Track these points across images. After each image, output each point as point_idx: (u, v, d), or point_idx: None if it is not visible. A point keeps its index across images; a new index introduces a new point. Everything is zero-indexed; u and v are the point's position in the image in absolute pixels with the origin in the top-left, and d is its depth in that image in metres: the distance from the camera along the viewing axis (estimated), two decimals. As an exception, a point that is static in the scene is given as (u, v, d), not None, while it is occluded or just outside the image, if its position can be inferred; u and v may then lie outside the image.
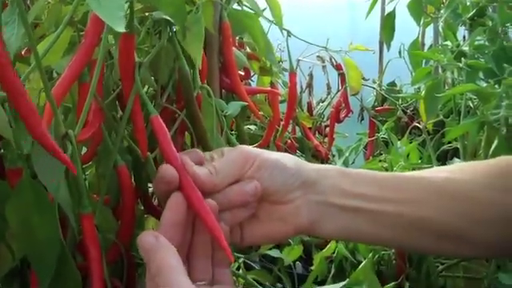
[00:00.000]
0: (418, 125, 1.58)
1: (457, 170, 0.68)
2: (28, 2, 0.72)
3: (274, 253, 1.18)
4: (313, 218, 0.62)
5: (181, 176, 0.56)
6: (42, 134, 0.48)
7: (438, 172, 0.67)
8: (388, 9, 1.73)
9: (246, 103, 0.83)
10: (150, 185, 0.73)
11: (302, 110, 1.92)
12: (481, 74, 1.11)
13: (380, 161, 1.21)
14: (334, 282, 1.22)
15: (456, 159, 1.24)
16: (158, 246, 0.52)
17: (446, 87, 1.27)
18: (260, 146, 1.56)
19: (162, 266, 0.51)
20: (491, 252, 0.73)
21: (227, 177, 0.59)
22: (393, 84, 2.04)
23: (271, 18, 0.90)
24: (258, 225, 0.62)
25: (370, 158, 1.67)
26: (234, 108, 0.76)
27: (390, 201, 0.62)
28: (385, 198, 0.62)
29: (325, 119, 2.02)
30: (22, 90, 0.47)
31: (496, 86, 0.99)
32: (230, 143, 0.74)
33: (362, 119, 2.00)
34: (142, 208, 0.73)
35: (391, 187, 0.63)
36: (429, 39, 1.80)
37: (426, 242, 0.65)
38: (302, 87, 2.02)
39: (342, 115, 1.90)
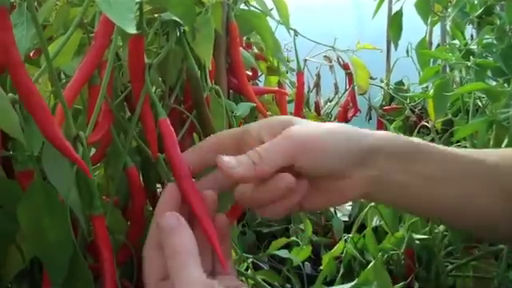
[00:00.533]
0: (426, 124, 1.58)
1: (507, 155, 0.67)
2: (35, 4, 0.72)
3: (283, 253, 1.18)
4: (369, 190, 0.62)
5: (181, 175, 0.56)
6: (55, 135, 0.48)
7: (489, 155, 0.66)
8: (395, 8, 1.73)
9: (255, 104, 0.83)
10: (158, 185, 0.73)
11: (310, 110, 1.93)
12: (489, 73, 1.11)
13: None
14: (343, 282, 1.22)
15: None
16: (178, 228, 0.52)
17: (454, 86, 1.26)
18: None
19: (176, 249, 0.51)
20: None
21: (272, 164, 0.56)
22: (400, 83, 2.04)
23: (278, 18, 0.90)
24: (315, 194, 0.61)
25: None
26: (243, 109, 0.76)
27: (439, 180, 0.62)
28: (441, 178, 0.63)
29: (332, 119, 2.02)
30: (35, 90, 0.47)
31: (505, 85, 0.99)
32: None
33: (370, 118, 2.00)
34: (151, 209, 0.73)
35: (443, 166, 0.63)
36: (436, 38, 1.80)
37: (469, 224, 0.66)
38: (309, 87, 2.03)
39: (350, 114, 1.90)
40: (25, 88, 0.46)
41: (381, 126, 1.89)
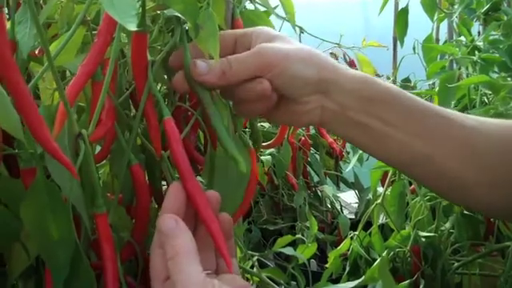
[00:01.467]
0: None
1: (486, 122, 0.68)
2: (41, 2, 0.72)
3: (289, 251, 1.18)
4: (325, 120, 0.66)
5: (185, 174, 0.56)
6: (47, 139, 0.48)
7: (466, 119, 0.67)
8: (401, 5, 1.72)
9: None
10: (163, 183, 0.73)
11: (316, 107, 1.92)
12: (495, 68, 1.11)
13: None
14: (349, 279, 1.21)
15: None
16: (177, 230, 0.53)
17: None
18: (273, 144, 1.56)
19: (176, 251, 0.52)
20: (492, 212, 0.77)
21: (240, 75, 0.62)
22: (407, 80, 2.03)
23: (283, 15, 0.90)
24: (278, 113, 0.66)
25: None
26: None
27: (407, 132, 0.64)
28: (404, 128, 0.64)
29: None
30: (27, 94, 0.47)
31: (508, 79, 0.99)
32: (244, 141, 0.73)
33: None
34: (156, 206, 0.73)
35: (416, 119, 0.64)
36: (443, 35, 1.79)
37: (429, 178, 0.68)
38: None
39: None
40: (16, 90, 0.46)
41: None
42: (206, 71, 0.61)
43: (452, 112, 0.68)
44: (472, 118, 0.67)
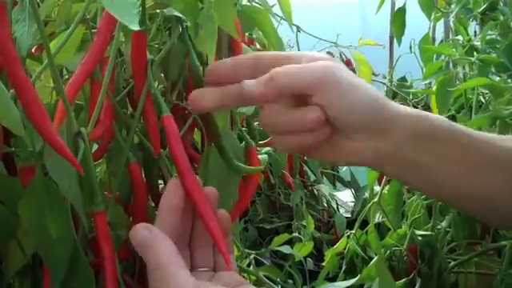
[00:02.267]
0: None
1: None
2: (38, 0, 0.72)
3: (285, 249, 1.18)
4: (378, 162, 0.61)
5: (183, 171, 0.56)
6: (51, 134, 0.48)
7: (503, 141, 0.64)
8: (398, 4, 1.73)
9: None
10: (160, 181, 0.73)
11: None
12: (493, 69, 1.11)
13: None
14: (346, 278, 1.22)
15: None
16: (153, 239, 0.51)
17: (458, 82, 1.26)
18: (270, 143, 1.56)
19: (158, 261, 0.50)
20: None
21: (285, 85, 0.56)
22: (403, 79, 2.04)
23: (280, 14, 0.90)
24: (323, 148, 0.60)
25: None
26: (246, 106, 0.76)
27: (463, 167, 0.61)
28: (460, 164, 0.61)
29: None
30: (31, 88, 0.47)
31: (509, 81, 0.99)
32: (242, 140, 0.74)
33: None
34: (153, 205, 0.73)
35: (471, 153, 0.61)
36: (439, 34, 1.80)
37: (485, 212, 0.65)
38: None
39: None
40: (21, 85, 0.46)
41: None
42: (250, 83, 0.56)
43: (494, 136, 0.65)
44: (504, 139, 0.66)
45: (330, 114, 0.57)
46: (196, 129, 0.79)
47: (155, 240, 0.51)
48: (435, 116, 0.63)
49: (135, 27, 0.46)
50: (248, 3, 0.82)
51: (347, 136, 0.59)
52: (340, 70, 0.58)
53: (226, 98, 0.58)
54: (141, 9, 0.57)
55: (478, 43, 1.17)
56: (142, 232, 0.52)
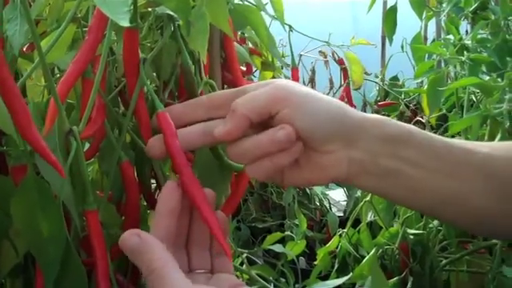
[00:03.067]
0: (420, 119, 1.58)
1: (498, 146, 0.66)
2: (29, -1, 0.72)
3: (278, 248, 1.18)
4: (352, 173, 0.60)
5: (180, 167, 0.56)
6: (35, 138, 0.48)
7: (481, 146, 0.64)
8: (390, 3, 1.73)
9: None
10: (153, 181, 0.73)
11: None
12: (483, 68, 1.11)
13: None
14: (338, 276, 1.22)
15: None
16: (143, 245, 0.51)
17: (449, 81, 1.27)
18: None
19: (152, 266, 0.50)
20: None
21: (251, 110, 0.56)
22: (395, 78, 2.05)
23: (273, 13, 0.90)
24: (298, 170, 0.60)
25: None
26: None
27: (432, 170, 0.60)
28: (428, 166, 0.60)
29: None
30: (16, 91, 0.46)
31: (499, 80, 0.99)
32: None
33: (365, 114, 2.00)
34: (145, 204, 0.73)
35: (437, 155, 0.60)
36: (431, 33, 1.80)
37: (460, 217, 0.63)
38: (304, 82, 2.03)
39: (345, 110, 1.90)
40: (5, 88, 0.45)
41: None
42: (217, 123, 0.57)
43: (466, 142, 0.65)
44: (485, 145, 0.65)
45: (297, 126, 0.56)
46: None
47: (146, 245, 0.51)
48: (403, 123, 0.62)
49: (126, 24, 0.46)
50: (240, 2, 0.82)
51: (319, 149, 0.59)
52: (295, 84, 0.59)
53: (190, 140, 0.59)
54: (132, 7, 0.56)
55: (469, 42, 1.18)
56: (131, 239, 0.52)
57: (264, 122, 0.58)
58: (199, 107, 0.61)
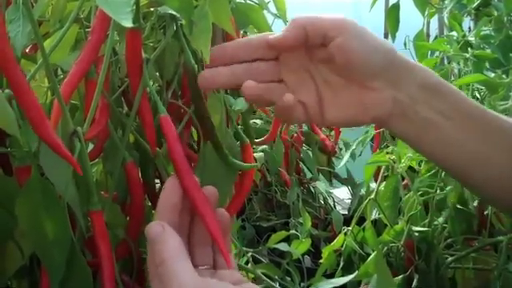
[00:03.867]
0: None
1: None
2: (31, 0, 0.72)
3: (283, 246, 1.18)
4: (393, 114, 0.61)
5: (182, 172, 0.56)
6: (49, 134, 0.48)
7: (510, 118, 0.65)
8: (392, 0, 1.73)
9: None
10: (157, 181, 0.73)
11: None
12: (487, 64, 1.11)
13: (387, 153, 1.21)
14: (343, 275, 1.22)
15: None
16: (164, 235, 0.52)
17: (453, 78, 1.26)
18: (266, 141, 1.56)
19: (165, 256, 0.51)
20: None
21: (307, 25, 0.58)
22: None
23: (275, 12, 0.90)
24: (339, 107, 0.61)
25: (377, 150, 1.67)
26: (241, 103, 0.76)
27: (463, 127, 0.61)
28: (459, 122, 0.61)
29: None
30: (28, 88, 0.47)
31: (503, 76, 0.99)
32: (238, 138, 0.73)
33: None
34: (150, 204, 0.73)
35: (469, 115, 0.62)
36: (434, 30, 1.80)
37: (487, 184, 0.64)
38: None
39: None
40: (17, 85, 0.46)
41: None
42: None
43: (496, 113, 0.66)
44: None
45: (351, 56, 0.58)
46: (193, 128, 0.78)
47: (163, 236, 0.52)
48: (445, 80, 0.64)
49: (128, 24, 0.46)
50: (242, 1, 0.82)
51: (366, 85, 0.60)
52: (355, 21, 0.60)
53: (237, 71, 0.60)
54: (135, 7, 0.56)
55: (472, 39, 1.17)
56: (155, 228, 0.52)
57: (315, 49, 0.60)
58: (249, 47, 0.62)
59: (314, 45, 0.60)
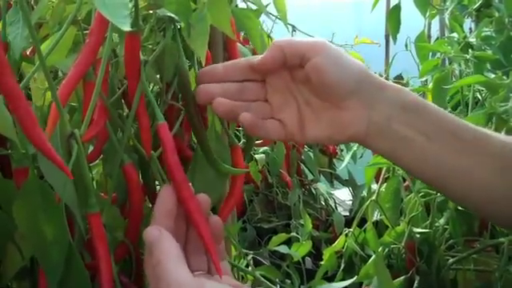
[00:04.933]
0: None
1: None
2: (32, 2, 0.72)
3: (283, 249, 1.18)
4: (369, 133, 0.63)
5: (179, 183, 0.57)
6: (40, 139, 0.48)
7: (496, 134, 0.66)
8: (393, 2, 1.73)
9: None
10: (157, 182, 0.73)
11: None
12: (488, 66, 1.11)
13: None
14: (344, 276, 1.22)
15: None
16: (161, 238, 0.53)
17: (454, 79, 1.26)
18: (267, 143, 1.56)
19: (161, 257, 0.52)
20: None
21: (284, 50, 0.61)
22: (400, 77, 2.04)
23: (276, 14, 0.90)
24: (319, 125, 0.63)
25: (378, 151, 1.67)
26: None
27: (442, 143, 0.62)
28: (438, 139, 0.62)
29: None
30: (20, 94, 0.46)
31: (504, 77, 0.99)
32: (231, 143, 0.73)
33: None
34: (150, 206, 0.73)
35: (448, 130, 0.63)
36: (435, 32, 1.80)
37: (466, 194, 0.65)
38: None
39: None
40: (9, 90, 0.45)
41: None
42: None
43: (479, 128, 0.66)
44: (499, 135, 0.67)
45: (326, 76, 0.60)
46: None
47: (160, 239, 0.53)
48: (420, 97, 0.65)
49: (126, 28, 0.46)
50: (243, 3, 0.82)
51: (341, 105, 0.62)
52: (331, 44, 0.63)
53: (227, 88, 0.63)
54: (134, 10, 0.56)
55: (473, 40, 1.17)
56: (152, 231, 0.54)
57: (295, 70, 0.63)
58: (237, 69, 0.65)
59: (292, 66, 0.62)
